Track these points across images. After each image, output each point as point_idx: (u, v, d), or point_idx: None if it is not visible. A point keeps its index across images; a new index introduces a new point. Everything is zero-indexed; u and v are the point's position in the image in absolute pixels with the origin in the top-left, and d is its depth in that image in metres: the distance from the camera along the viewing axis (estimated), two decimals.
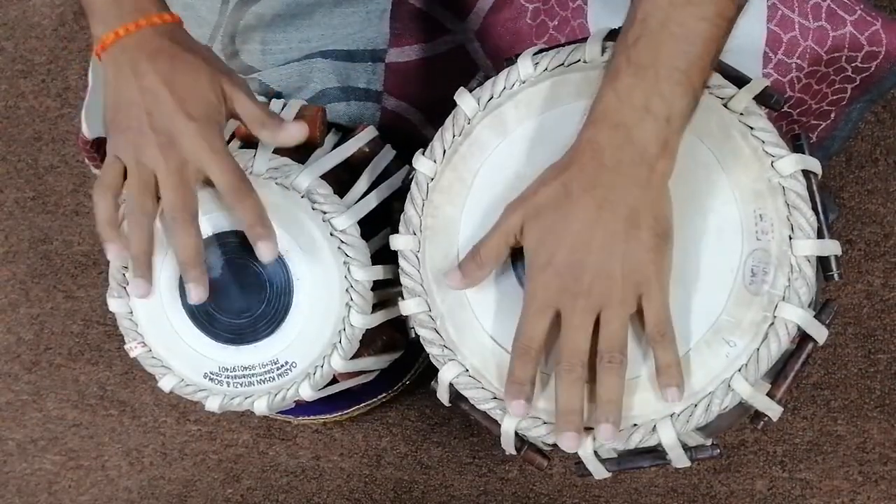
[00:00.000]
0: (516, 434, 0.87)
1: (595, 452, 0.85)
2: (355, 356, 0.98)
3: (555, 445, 0.87)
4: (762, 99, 0.84)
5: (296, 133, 0.93)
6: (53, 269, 1.49)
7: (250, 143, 0.99)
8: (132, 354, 1.01)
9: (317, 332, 0.96)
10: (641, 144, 0.78)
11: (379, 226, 0.98)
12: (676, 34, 0.78)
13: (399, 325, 0.95)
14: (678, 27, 0.78)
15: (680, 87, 0.78)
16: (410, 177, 0.91)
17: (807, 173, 0.83)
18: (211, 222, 0.95)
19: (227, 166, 0.89)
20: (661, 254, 0.80)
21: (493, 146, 0.88)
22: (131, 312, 1.00)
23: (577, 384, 0.80)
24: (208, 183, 0.90)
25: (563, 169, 0.81)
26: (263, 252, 0.90)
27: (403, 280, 0.90)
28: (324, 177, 0.96)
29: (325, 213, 0.95)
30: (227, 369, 0.98)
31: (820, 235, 0.82)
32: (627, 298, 0.79)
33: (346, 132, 1.06)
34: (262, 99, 1.06)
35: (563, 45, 0.89)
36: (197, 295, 0.90)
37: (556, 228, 0.80)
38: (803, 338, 0.83)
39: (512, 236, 0.83)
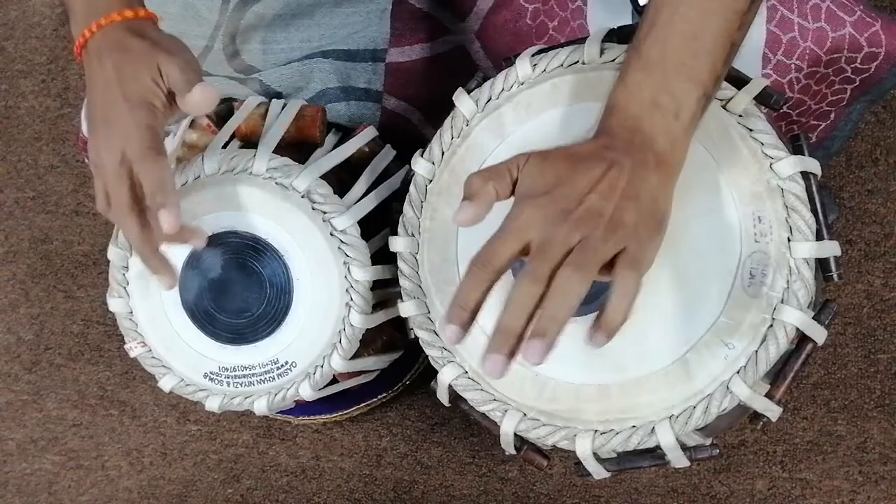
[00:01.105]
0: (516, 434, 0.87)
1: (594, 453, 0.85)
2: (355, 356, 0.98)
3: (555, 445, 0.87)
4: (762, 99, 0.84)
5: (198, 101, 0.87)
6: (53, 269, 1.49)
7: (250, 143, 0.99)
8: (132, 354, 1.01)
9: (317, 332, 0.96)
10: (650, 136, 0.77)
11: (379, 226, 0.98)
12: (683, 30, 0.77)
13: (399, 325, 0.95)
14: (685, 23, 0.77)
15: (689, 83, 0.78)
16: (409, 178, 0.91)
17: (806, 174, 0.83)
18: (211, 222, 0.95)
19: (139, 136, 0.86)
20: (650, 231, 0.76)
21: (492, 148, 0.88)
22: (131, 312, 1.00)
23: (531, 301, 0.72)
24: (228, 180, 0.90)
25: (579, 143, 0.79)
26: (164, 219, 0.85)
27: (402, 282, 0.90)
28: (324, 177, 0.96)
29: (325, 213, 0.95)
30: (227, 369, 0.99)
31: (819, 237, 0.82)
32: (608, 241, 0.73)
33: (346, 132, 1.06)
34: (260, 98, 1.06)
35: (561, 46, 0.89)
36: (162, 284, 0.90)
37: (561, 170, 0.76)
38: (802, 338, 0.83)
39: (515, 167, 0.77)
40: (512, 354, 0.72)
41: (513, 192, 0.77)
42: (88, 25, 0.88)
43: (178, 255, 0.95)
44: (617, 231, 0.73)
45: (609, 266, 0.74)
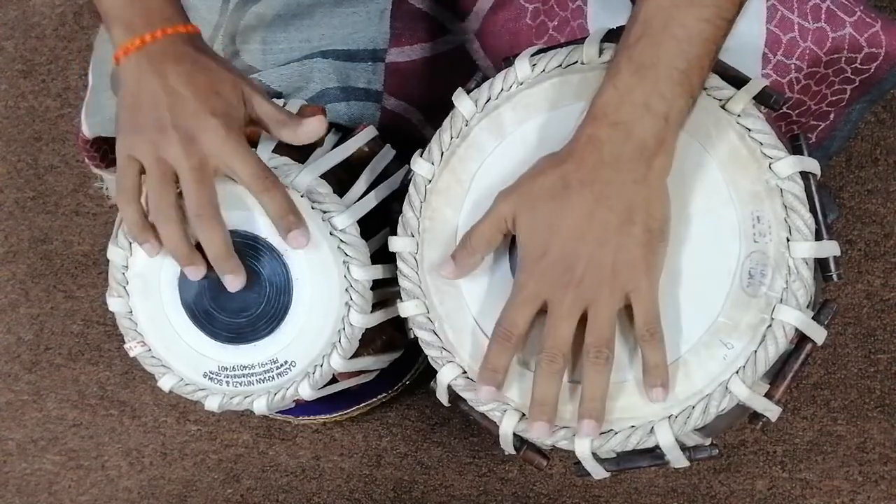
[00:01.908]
0: (515, 434, 0.87)
1: (594, 453, 0.85)
2: (355, 356, 0.98)
3: (554, 445, 0.87)
4: (761, 99, 0.84)
5: (317, 128, 0.94)
6: (53, 269, 1.49)
7: (250, 143, 0.99)
8: (132, 354, 1.01)
9: (316, 332, 0.96)
10: (640, 141, 0.79)
11: (378, 225, 0.98)
12: (678, 35, 0.79)
13: (399, 325, 0.95)
14: (680, 28, 0.79)
15: (679, 86, 0.79)
16: (409, 178, 0.91)
17: (805, 174, 0.83)
18: None
19: (250, 159, 0.90)
20: (653, 251, 0.80)
21: (491, 148, 0.88)
22: (131, 312, 1.00)
23: (556, 376, 0.81)
24: (228, 179, 0.92)
25: (561, 162, 0.81)
26: (296, 240, 0.91)
27: (402, 282, 0.90)
28: (323, 176, 0.96)
29: (324, 212, 0.95)
30: (227, 368, 0.99)
31: (818, 237, 0.82)
32: (616, 292, 0.80)
33: (346, 132, 1.06)
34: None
35: (560, 46, 0.89)
36: (235, 284, 0.92)
37: (552, 220, 0.80)
38: (802, 338, 0.83)
39: (503, 223, 0.83)
40: (553, 420, 0.83)
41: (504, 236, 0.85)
42: (151, 31, 0.89)
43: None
44: (621, 276, 0.80)
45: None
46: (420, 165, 0.90)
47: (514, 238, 0.86)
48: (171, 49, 0.90)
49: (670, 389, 0.82)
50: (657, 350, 0.81)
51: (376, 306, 0.96)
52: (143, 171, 0.90)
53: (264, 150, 0.96)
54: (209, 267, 0.93)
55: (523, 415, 0.86)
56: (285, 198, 0.91)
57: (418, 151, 0.91)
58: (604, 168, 0.79)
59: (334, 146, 1.02)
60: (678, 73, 0.79)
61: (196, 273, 0.92)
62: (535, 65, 0.88)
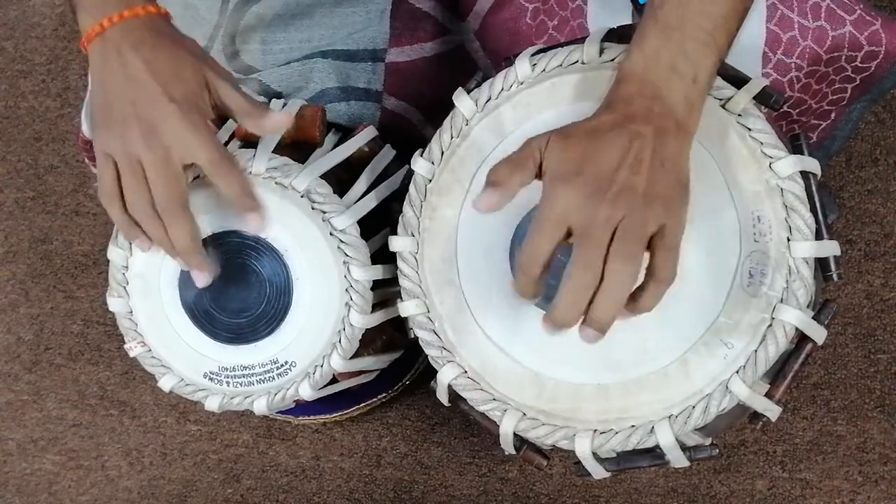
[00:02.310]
0: (515, 434, 0.87)
1: (594, 453, 0.85)
2: (355, 356, 0.98)
3: (554, 445, 0.87)
4: (761, 99, 0.84)
5: (280, 122, 0.92)
6: (53, 269, 1.49)
7: (250, 143, 0.99)
8: (132, 354, 1.01)
9: (316, 332, 0.96)
10: (669, 102, 0.78)
11: (378, 225, 0.98)
12: None
13: (399, 325, 0.95)
14: None
15: (706, 47, 0.78)
16: (409, 178, 0.91)
17: (806, 174, 0.83)
18: (210, 222, 0.95)
19: (208, 144, 0.88)
20: (681, 200, 0.78)
21: (491, 148, 0.88)
22: (131, 312, 1.00)
23: (588, 288, 0.75)
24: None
25: (592, 118, 0.79)
26: (252, 223, 0.90)
27: (402, 282, 0.90)
28: (323, 177, 0.96)
29: (324, 212, 0.95)
30: (227, 369, 0.99)
31: (819, 237, 0.82)
32: (648, 219, 0.75)
33: (346, 132, 1.06)
34: (261, 98, 1.06)
35: (561, 46, 0.89)
36: (202, 280, 0.92)
37: (586, 149, 0.76)
38: (802, 338, 0.83)
39: (536, 152, 0.78)
40: (578, 319, 0.76)
41: (537, 176, 0.78)
42: (107, 16, 0.87)
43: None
44: (654, 205, 0.75)
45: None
46: (420, 165, 0.90)
47: (513, 239, 0.86)
48: (129, 34, 0.87)
49: (670, 385, 0.82)
50: (655, 294, 0.77)
51: (376, 306, 0.97)
52: None
53: (264, 150, 0.96)
54: (215, 264, 0.93)
55: (524, 414, 0.86)
56: (242, 181, 0.90)
57: (418, 151, 0.91)
58: (636, 120, 0.77)
59: (334, 146, 1.02)
60: (704, 34, 0.78)
61: (184, 263, 0.92)
62: (535, 64, 0.88)
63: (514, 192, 0.78)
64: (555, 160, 0.77)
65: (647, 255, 0.77)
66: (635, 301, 0.77)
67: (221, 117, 0.94)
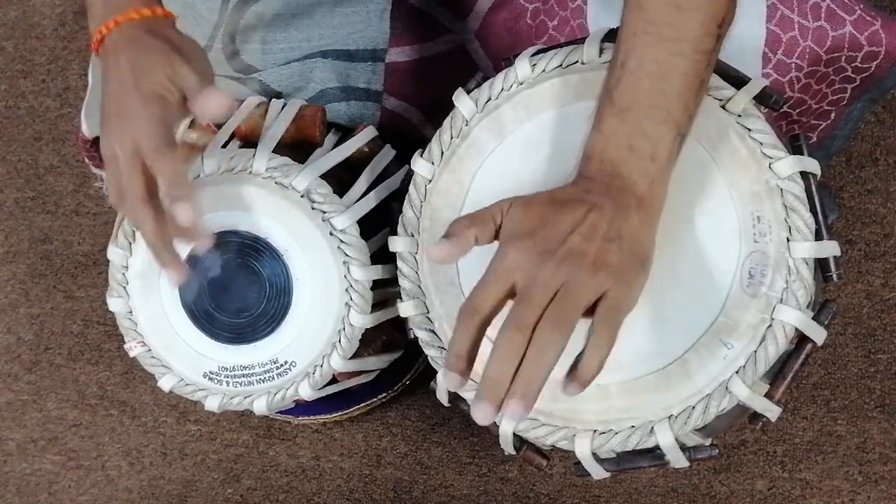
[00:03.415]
0: (515, 434, 0.87)
1: (594, 453, 0.85)
2: (355, 356, 0.98)
3: (554, 445, 0.87)
4: (761, 99, 0.84)
5: (214, 104, 0.88)
6: (53, 269, 1.49)
7: (250, 142, 0.99)
8: (132, 354, 1.01)
9: (316, 332, 0.96)
10: (628, 181, 0.78)
11: (378, 225, 0.98)
12: (653, 72, 0.78)
13: (399, 325, 0.95)
14: (654, 65, 0.78)
15: (663, 125, 0.78)
16: (409, 178, 0.91)
17: (805, 174, 0.83)
18: (210, 222, 0.95)
19: (152, 131, 0.86)
20: (635, 273, 0.77)
21: (491, 148, 0.88)
22: (131, 312, 1.00)
23: (517, 353, 0.73)
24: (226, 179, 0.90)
25: (559, 189, 0.80)
26: (181, 212, 0.85)
27: (402, 282, 0.90)
28: (323, 177, 0.97)
29: (324, 212, 0.95)
30: (227, 369, 0.99)
31: (818, 237, 0.82)
32: (592, 284, 0.74)
33: (346, 132, 1.06)
34: (260, 98, 1.06)
35: (561, 46, 0.89)
36: (171, 278, 0.89)
37: (544, 214, 0.77)
38: (802, 338, 0.83)
39: (498, 213, 0.78)
40: (500, 404, 0.73)
41: (496, 237, 0.78)
42: (106, 22, 0.88)
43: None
44: (600, 272, 0.74)
45: (591, 310, 0.75)
46: (420, 165, 0.90)
47: None
48: (124, 36, 0.88)
49: (670, 386, 0.82)
50: (592, 362, 0.75)
51: (376, 306, 0.97)
52: None
53: (264, 150, 0.96)
54: (215, 264, 0.93)
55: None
56: (172, 169, 0.86)
57: (418, 151, 0.91)
58: (596, 194, 0.77)
59: (334, 146, 1.02)
60: (660, 112, 0.78)
61: (172, 277, 0.90)
62: (535, 65, 0.88)
63: (468, 246, 0.78)
64: (513, 221, 0.77)
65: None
66: (575, 370, 0.75)
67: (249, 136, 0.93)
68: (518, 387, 0.73)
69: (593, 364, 0.74)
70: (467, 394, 0.88)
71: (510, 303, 0.75)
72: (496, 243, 0.78)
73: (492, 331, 0.75)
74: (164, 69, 0.87)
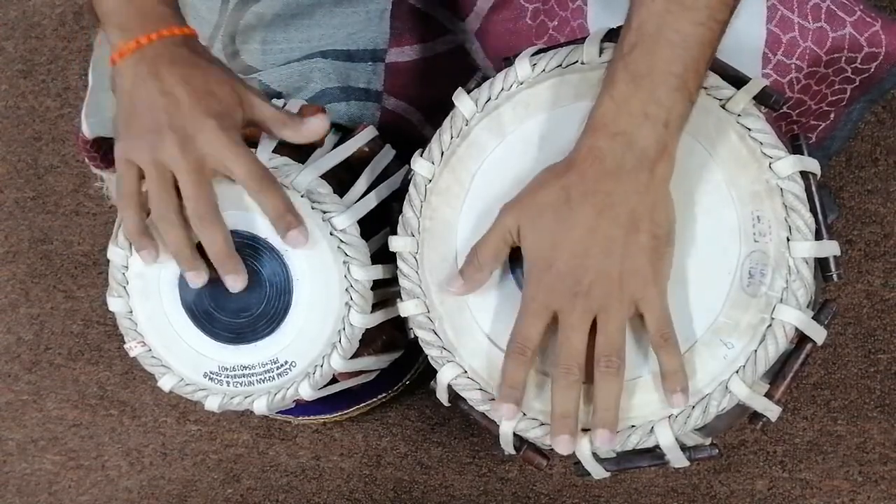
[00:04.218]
0: (515, 434, 0.87)
1: (594, 453, 0.85)
2: (355, 356, 0.98)
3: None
4: (761, 99, 0.84)
5: (320, 126, 0.95)
6: (53, 269, 1.49)
7: (250, 143, 0.99)
8: (132, 354, 1.01)
9: (316, 332, 0.96)
10: (641, 149, 0.79)
11: (379, 225, 0.98)
12: (672, 40, 0.78)
13: (399, 325, 0.95)
14: (674, 33, 0.78)
15: (677, 92, 0.79)
16: (409, 178, 0.91)
17: (805, 174, 0.83)
18: None
19: (246, 158, 0.90)
20: (660, 257, 0.80)
21: (491, 148, 0.88)
22: (131, 312, 1.00)
23: (573, 387, 0.81)
24: (226, 179, 0.92)
25: (562, 173, 0.81)
26: (295, 240, 0.91)
27: (402, 282, 0.90)
28: (323, 176, 0.96)
29: (324, 212, 0.95)
30: (227, 369, 0.99)
31: (818, 237, 0.82)
32: (625, 301, 0.80)
33: (346, 132, 1.06)
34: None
35: (561, 46, 0.89)
36: (236, 284, 0.93)
37: (556, 234, 0.80)
38: (802, 338, 0.83)
39: (509, 236, 0.83)
40: (575, 432, 0.82)
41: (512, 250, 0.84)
42: (146, 34, 0.89)
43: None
44: (629, 285, 0.79)
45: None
46: (420, 165, 0.90)
47: None
48: (166, 51, 0.90)
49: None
50: (673, 355, 0.81)
51: (376, 306, 0.96)
52: (142, 176, 0.90)
53: (264, 151, 0.96)
54: (212, 270, 0.93)
55: (524, 414, 0.86)
56: (283, 197, 0.91)
57: (418, 151, 0.91)
58: (606, 179, 0.79)
59: (334, 146, 1.02)
60: (675, 79, 0.78)
61: (197, 279, 0.93)
62: (535, 64, 0.88)
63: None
64: (529, 243, 0.82)
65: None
66: (665, 381, 0.81)
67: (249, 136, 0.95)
68: (598, 421, 0.81)
69: (677, 369, 0.81)
70: (468, 393, 0.88)
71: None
72: None
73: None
74: (229, 93, 0.90)
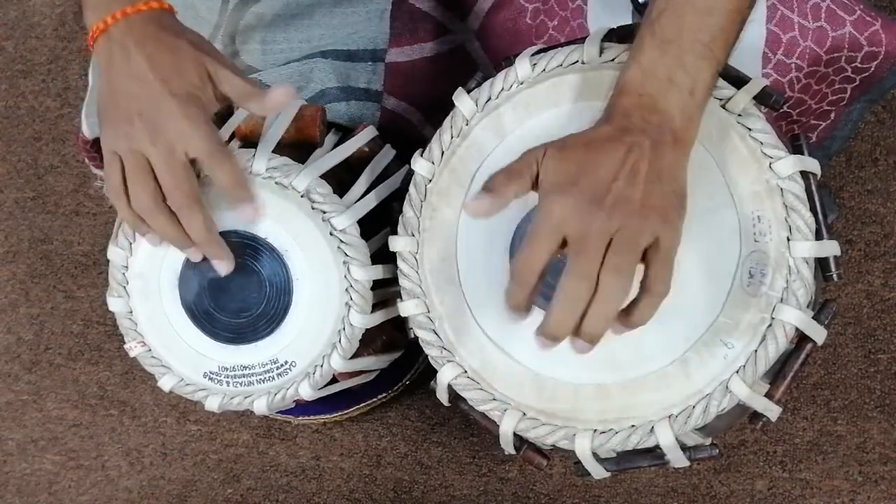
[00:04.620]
0: (515, 434, 0.87)
1: (594, 453, 0.85)
2: (355, 356, 0.98)
3: (554, 445, 0.87)
4: (761, 99, 0.84)
5: (281, 98, 0.91)
6: (53, 269, 1.49)
7: (250, 143, 0.99)
8: (132, 354, 1.01)
9: (316, 332, 0.96)
10: (667, 114, 0.78)
11: (379, 225, 0.98)
12: (699, 6, 0.78)
13: (399, 325, 0.95)
14: (702, 0, 0.78)
15: (704, 59, 0.78)
16: (409, 178, 0.91)
17: (805, 174, 0.83)
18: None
19: (204, 135, 0.88)
20: (677, 212, 0.78)
21: (491, 148, 0.88)
22: (131, 312, 1.00)
23: (582, 299, 0.75)
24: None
25: (590, 129, 0.80)
26: (244, 214, 0.91)
27: (402, 281, 0.90)
28: (323, 176, 0.97)
29: (324, 212, 0.95)
30: (227, 369, 0.99)
31: (819, 237, 0.82)
32: (644, 230, 0.75)
33: (346, 132, 1.06)
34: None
35: (561, 46, 0.89)
36: (222, 267, 0.93)
37: (583, 161, 0.77)
38: (802, 338, 0.83)
39: (533, 162, 0.78)
40: (565, 335, 0.77)
41: (533, 187, 0.78)
42: (111, 13, 0.88)
43: (177, 254, 0.95)
44: (649, 216, 0.75)
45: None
46: (420, 165, 0.90)
47: (513, 239, 0.86)
48: (133, 29, 0.88)
49: (670, 385, 0.82)
50: (648, 307, 0.78)
51: (376, 306, 0.97)
52: None
53: (264, 150, 0.96)
54: (213, 270, 0.93)
55: (524, 414, 0.86)
56: (234, 171, 0.90)
57: (418, 151, 0.91)
58: (633, 132, 0.77)
59: (334, 146, 1.02)
60: (701, 46, 0.78)
61: (196, 255, 0.93)
62: (535, 64, 0.88)
63: (507, 200, 0.78)
64: (551, 171, 0.77)
65: (641, 267, 0.77)
66: (629, 314, 0.78)
67: (228, 109, 0.94)
68: (586, 328, 0.76)
69: (648, 310, 0.77)
70: (468, 393, 0.88)
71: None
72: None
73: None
74: (194, 70, 0.88)
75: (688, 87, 0.78)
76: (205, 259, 0.94)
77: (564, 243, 0.76)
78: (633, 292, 0.77)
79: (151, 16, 0.89)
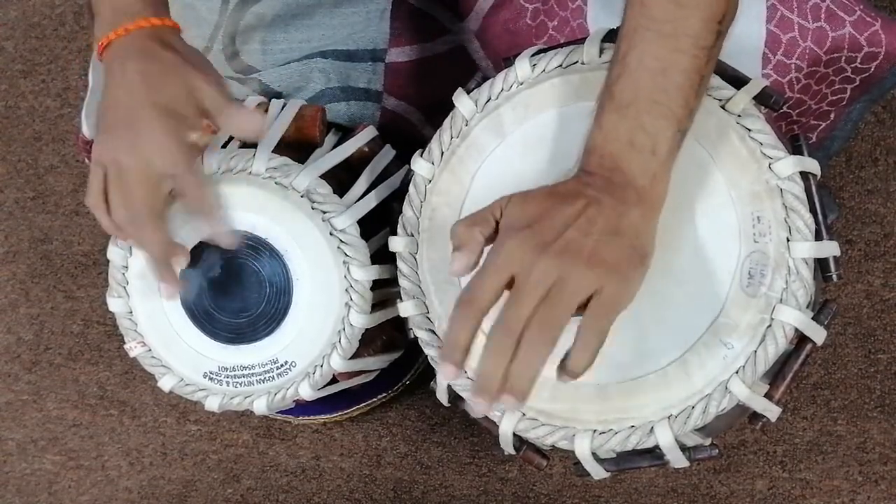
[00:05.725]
0: (515, 434, 0.87)
1: (593, 453, 0.85)
2: (355, 356, 0.98)
3: (554, 445, 0.87)
4: (761, 99, 0.84)
5: (248, 124, 0.90)
6: (53, 269, 1.49)
7: (250, 143, 0.99)
8: (132, 354, 1.01)
9: (316, 332, 0.96)
10: (630, 174, 0.78)
11: (378, 225, 0.98)
12: (652, 67, 0.77)
13: (399, 325, 0.96)
14: (654, 61, 0.77)
15: (663, 119, 0.78)
16: (409, 178, 0.91)
17: (805, 174, 0.83)
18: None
19: (176, 151, 0.88)
20: (633, 268, 0.77)
21: (491, 148, 0.88)
22: (131, 312, 1.00)
23: (506, 351, 0.73)
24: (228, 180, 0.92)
25: (559, 183, 0.80)
26: (213, 230, 0.92)
27: (401, 282, 0.90)
28: (323, 177, 0.97)
29: (324, 212, 0.95)
30: (227, 369, 0.99)
31: (818, 237, 0.82)
32: (587, 279, 0.74)
33: (346, 132, 1.06)
34: (258, 98, 1.06)
35: (561, 46, 0.89)
36: (166, 292, 0.93)
37: (542, 206, 0.77)
38: (802, 338, 0.83)
39: (497, 209, 0.78)
40: (495, 398, 0.74)
41: (496, 231, 0.78)
42: (115, 28, 0.89)
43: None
44: (595, 268, 0.74)
45: (585, 306, 0.75)
46: (420, 165, 0.90)
47: None
48: (134, 45, 0.89)
49: (670, 386, 0.82)
50: (581, 358, 0.75)
51: (376, 306, 0.97)
52: None
53: (264, 150, 0.96)
54: (214, 270, 0.93)
55: (523, 414, 0.86)
56: (202, 192, 0.90)
57: (418, 151, 0.91)
58: (595, 188, 0.77)
59: (334, 146, 1.02)
60: (659, 106, 0.77)
61: (164, 291, 0.94)
62: (535, 65, 0.88)
63: (479, 247, 0.78)
64: (512, 213, 0.77)
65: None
66: (562, 365, 0.76)
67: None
68: (510, 385, 0.74)
69: (582, 360, 0.75)
70: (467, 394, 0.88)
71: (507, 293, 0.75)
72: None
73: (487, 323, 0.75)
74: (179, 84, 0.88)
75: (649, 148, 0.77)
76: (204, 259, 0.94)
77: (511, 284, 0.75)
78: (567, 343, 0.75)
79: (153, 32, 0.90)
